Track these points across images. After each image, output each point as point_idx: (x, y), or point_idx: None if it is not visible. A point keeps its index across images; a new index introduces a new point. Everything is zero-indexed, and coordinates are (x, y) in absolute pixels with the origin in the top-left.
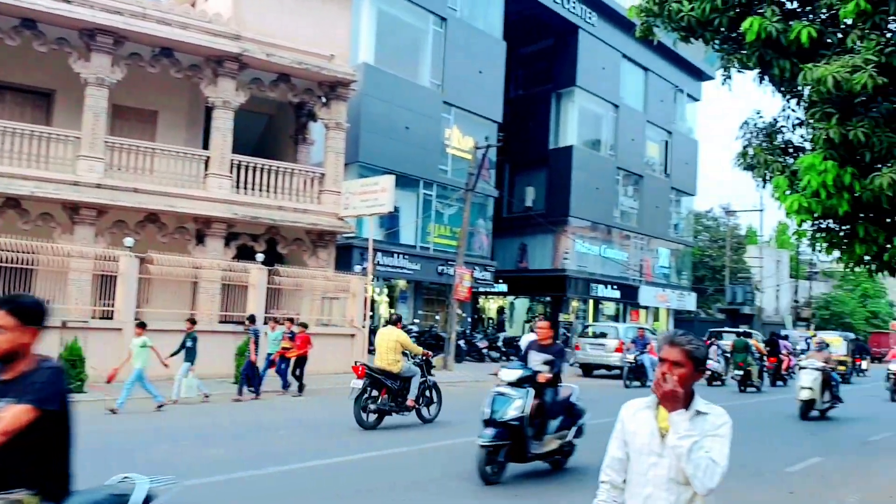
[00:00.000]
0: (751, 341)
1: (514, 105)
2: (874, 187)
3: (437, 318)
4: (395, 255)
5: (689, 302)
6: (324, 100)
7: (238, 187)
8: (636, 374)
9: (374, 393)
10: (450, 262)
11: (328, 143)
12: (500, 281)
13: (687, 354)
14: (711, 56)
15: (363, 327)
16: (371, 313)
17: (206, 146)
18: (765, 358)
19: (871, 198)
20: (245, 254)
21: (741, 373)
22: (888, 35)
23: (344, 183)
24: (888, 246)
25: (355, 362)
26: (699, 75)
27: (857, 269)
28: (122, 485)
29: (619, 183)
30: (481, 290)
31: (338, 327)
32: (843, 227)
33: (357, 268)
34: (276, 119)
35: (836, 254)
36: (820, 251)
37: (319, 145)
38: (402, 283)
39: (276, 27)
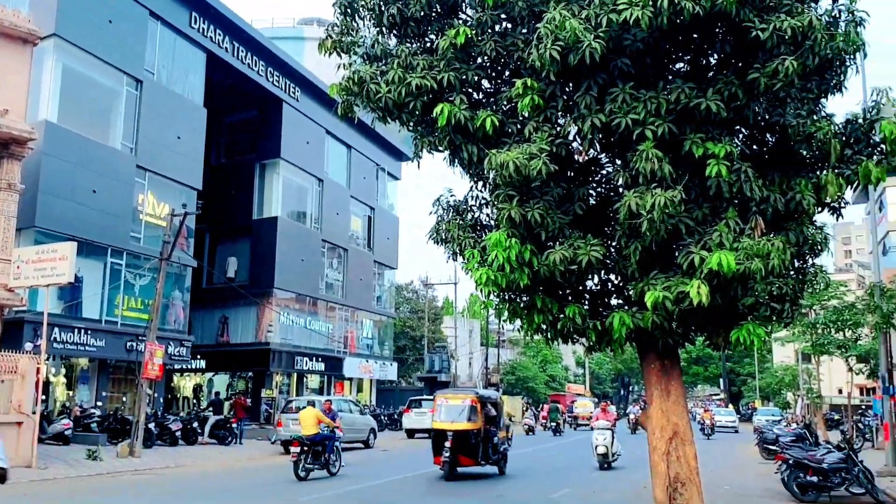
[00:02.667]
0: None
1: (217, 173)
2: (549, 263)
3: (125, 399)
4: (76, 331)
5: (391, 372)
6: None
7: None
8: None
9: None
10: (140, 338)
11: None
12: (198, 356)
13: None
14: (409, 138)
15: (34, 413)
16: (44, 397)
17: None
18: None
19: (546, 272)
20: None
21: (554, 424)
22: (557, 128)
23: (16, 250)
24: (561, 315)
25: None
26: (399, 155)
27: (536, 337)
28: None
29: (325, 255)
30: (176, 366)
31: (1, 414)
32: (524, 299)
33: (28, 345)
34: None
35: (518, 323)
36: (505, 320)
37: None
38: (83, 362)
39: None
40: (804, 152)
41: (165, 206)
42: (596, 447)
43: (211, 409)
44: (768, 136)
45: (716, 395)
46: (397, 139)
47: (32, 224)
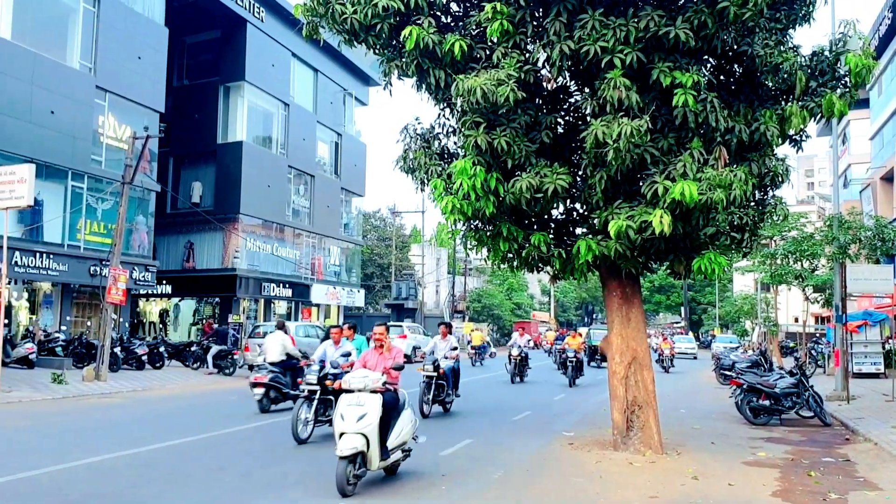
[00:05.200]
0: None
1: (179, 95)
2: (515, 191)
3: (90, 323)
4: (38, 255)
5: (359, 298)
6: None
7: None
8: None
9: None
10: (104, 262)
11: None
12: (164, 282)
13: None
14: (377, 63)
15: None
16: (6, 321)
17: None
18: None
19: (513, 200)
20: None
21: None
22: (526, 55)
23: None
24: (526, 244)
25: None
26: (367, 80)
27: (502, 266)
28: None
29: (291, 181)
30: (141, 291)
31: None
32: (490, 228)
33: None
34: None
35: (485, 251)
36: (472, 249)
37: None
38: (46, 286)
39: None
40: (770, 83)
41: (127, 128)
42: (341, 435)
43: (214, 338)
44: (735, 66)
45: (677, 323)
46: (365, 63)
47: None
